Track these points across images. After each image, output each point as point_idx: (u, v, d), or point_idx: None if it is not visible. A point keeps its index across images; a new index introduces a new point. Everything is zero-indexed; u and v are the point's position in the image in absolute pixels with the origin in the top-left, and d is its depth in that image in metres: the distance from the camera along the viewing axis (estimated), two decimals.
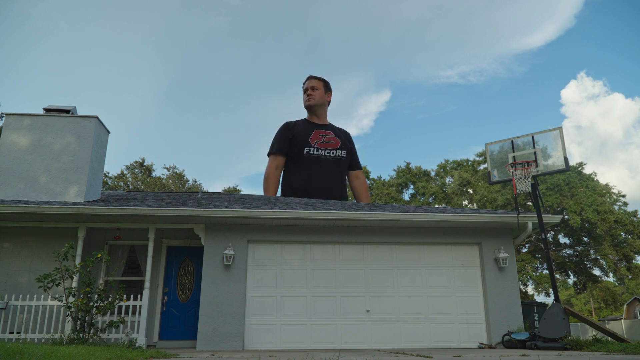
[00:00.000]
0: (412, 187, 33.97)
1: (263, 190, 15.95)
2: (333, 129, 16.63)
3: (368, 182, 36.98)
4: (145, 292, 8.78)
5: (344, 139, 16.46)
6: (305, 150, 15.62)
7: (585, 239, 27.16)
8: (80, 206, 8.91)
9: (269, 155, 16.21)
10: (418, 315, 9.48)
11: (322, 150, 15.73)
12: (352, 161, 16.51)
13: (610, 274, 28.23)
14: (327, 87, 16.76)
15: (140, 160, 33.61)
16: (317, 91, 16.39)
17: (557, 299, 8.74)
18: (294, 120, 16.73)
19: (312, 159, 15.63)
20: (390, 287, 9.60)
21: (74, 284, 8.48)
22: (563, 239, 28.59)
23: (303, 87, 16.82)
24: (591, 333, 12.36)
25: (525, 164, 9.65)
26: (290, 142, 15.86)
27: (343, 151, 16.03)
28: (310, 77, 16.61)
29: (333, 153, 15.85)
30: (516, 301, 9.45)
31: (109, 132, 11.33)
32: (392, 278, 9.66)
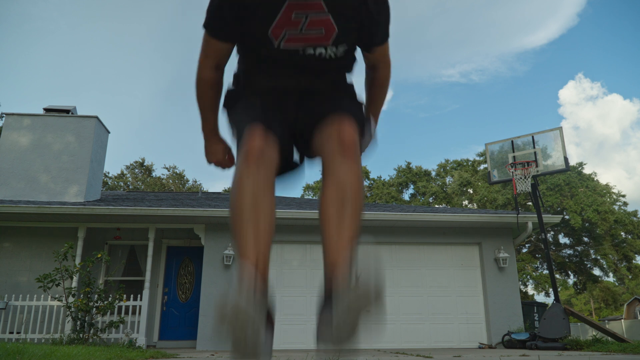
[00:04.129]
0: (412, 186, 33.95)
1: (196, 99, 3.51)
2: None
3: (367, 182, 35.42)
4: (145, 292, 8.78)
5: (351, 11, 2.54)
6: (263, 50, 2.78)
7: (586, 239, 27.16)
8: (80, 206, 8.91)
9: (204, 28, 2.81)
10: (418, 315, 9.48)
11: (295, 48, 2.79)
12: (369, 38, 2.73)
13: (610, 274, 28.23)
14: None
15: (140, 160, 33.61)
16: None
17: (557, 299, 8.74)
18: None
19: (278, 64, 2.72)
20: (390, 287, 9.59)
21: (74, 284, 8.48)
22: (563, 239, 28.59)
23: None
24: (591, 333, 12.35)
25: (525, 164, 9.64)
26: (239, 23, 2.70)
27: (340, 47, 2.64)
28: None
29: (319, 52, 2.56)
30: (516, 301, 9.45)
31: (109, 132, 11.33)
32: (392, 278, 9.65)
